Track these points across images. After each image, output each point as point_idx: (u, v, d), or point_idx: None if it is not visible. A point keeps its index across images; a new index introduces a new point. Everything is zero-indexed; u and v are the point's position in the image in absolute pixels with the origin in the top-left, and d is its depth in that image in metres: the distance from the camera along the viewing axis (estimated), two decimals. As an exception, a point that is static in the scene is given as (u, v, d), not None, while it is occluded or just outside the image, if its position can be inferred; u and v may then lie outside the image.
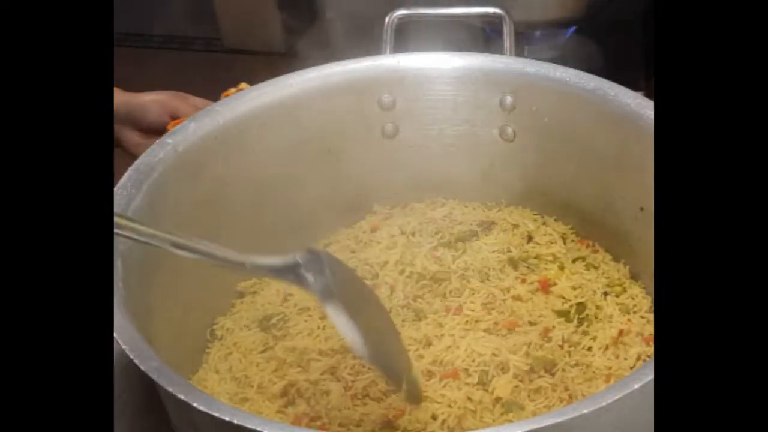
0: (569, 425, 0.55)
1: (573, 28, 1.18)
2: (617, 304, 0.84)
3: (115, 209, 0.73)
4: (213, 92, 1.00)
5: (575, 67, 0.86)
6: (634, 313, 0.83)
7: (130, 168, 0.77)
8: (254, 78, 0.87)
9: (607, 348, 0.80)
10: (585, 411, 0.55)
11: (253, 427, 0.55)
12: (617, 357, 0.79)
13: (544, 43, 1.14)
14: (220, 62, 1.38)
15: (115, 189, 0.75)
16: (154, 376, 0.59)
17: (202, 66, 1.36)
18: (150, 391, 0.83)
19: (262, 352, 0.82)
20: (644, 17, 1.15)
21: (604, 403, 0.55)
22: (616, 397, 0.55)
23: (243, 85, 0.98)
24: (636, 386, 0.56)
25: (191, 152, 0.81)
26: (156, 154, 0.79)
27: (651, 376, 0.57)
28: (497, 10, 0.90)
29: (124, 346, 0.61)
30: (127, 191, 0.75)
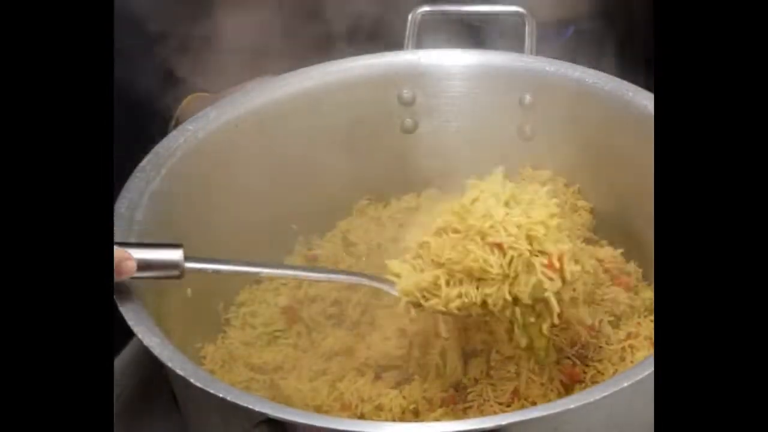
0: (556, 420, 0.55)
1: (572, 28, 1.17)
2: (628, 306, 0.84)
3: (133, 192, 0.74)
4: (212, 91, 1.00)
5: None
6: (645, 316, 0.83)
7: (150, 152, 0.79)
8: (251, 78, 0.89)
9: (614, 350, 0.79)
10: (572, 406, 0.55)
11: (246, 405, 0.56)
12: (623, 360, 0.79)
13: (543, 43, 1.13)
14: (220, 62, 1.39)
15: (134, 172, 0.77)
16: (156, 352, 0.61)
17: (201, 65, 1.38)
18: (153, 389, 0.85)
19: (277, 337, 0.84)
20: (644, 16, 1.14)
21: (591, 399, 0.55)
22: (605, 394, 0.55)
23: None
24: (626, 384, 0.56)
25: (211, 139, 0.83)
26: (176, 139, 0.81)
27: (642, 375, 0.57)
28: (520, 9, 0.90)
29: (129, 322, 0.63)
30: (146, 174, 0.77)
